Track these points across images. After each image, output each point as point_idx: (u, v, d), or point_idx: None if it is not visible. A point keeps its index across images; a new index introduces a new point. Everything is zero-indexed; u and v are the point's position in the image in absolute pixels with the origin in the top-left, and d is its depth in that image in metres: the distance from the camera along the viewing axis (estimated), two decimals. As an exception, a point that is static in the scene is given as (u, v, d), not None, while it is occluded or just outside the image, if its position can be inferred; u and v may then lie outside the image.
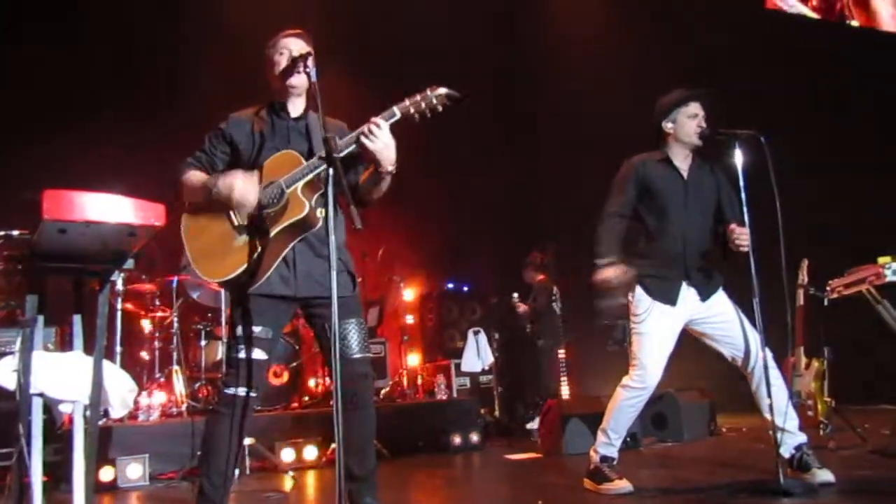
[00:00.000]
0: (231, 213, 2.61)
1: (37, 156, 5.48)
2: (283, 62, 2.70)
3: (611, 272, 3.34)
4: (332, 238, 2.25)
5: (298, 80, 2.69)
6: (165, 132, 6.01)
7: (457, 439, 5.35)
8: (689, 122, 3.40)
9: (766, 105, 6.45)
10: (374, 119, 2.50)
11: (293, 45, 2.71)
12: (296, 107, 2.79)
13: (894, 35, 7.98)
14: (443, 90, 2.49)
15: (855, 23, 8.06)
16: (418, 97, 2.50)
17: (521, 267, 7.14)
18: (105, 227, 1.95)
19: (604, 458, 3.44)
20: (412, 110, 2.50)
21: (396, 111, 2.52)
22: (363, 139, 2.49)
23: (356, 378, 2.66)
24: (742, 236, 3.20)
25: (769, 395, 3.13)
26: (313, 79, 2.51)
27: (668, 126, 3.46)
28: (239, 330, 2.62)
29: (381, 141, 2.49)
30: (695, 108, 3.42)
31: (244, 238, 2.59)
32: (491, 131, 8.11)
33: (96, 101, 6.09)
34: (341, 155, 2.42)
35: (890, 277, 3.66)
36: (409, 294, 7.47)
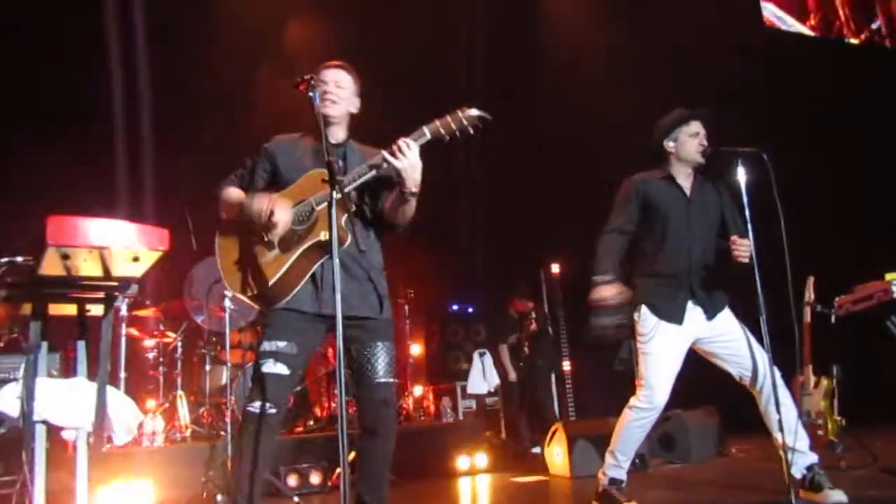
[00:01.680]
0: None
1: (38, 181, 5.49)
2: (318, 93, 2.73)
3: (607, 291, 3.33)
4: (336, 259, 2.25)
5: (331, 110, 2.72)
6: (171, 158, 6.05)
7: (464, 463, 5.30)
8: (690, 140, 3.41)
9: (766, 122, 6.47)
10: (403, 139, 2.50)
11: (329, 77, 2.74)
12: (335, 135, 2.80)
13: (890, 51, 8.02)
14: (474, 112, 2.47)
15: (854, 41, 8.11)
16: (449, 118, 2.49)
17: (507, 298, 7.08)
18: (109, 253, 1.95)
19: (612, 481, 3.40)
20: (442, 131, 2.49)
21: (426, 131, 2.51)
22: (389, 158, 2.49)
23: (378, 403, 2.63)
24: (742, 247, 3.19)
25: (779, 414, 3.10)
26: (315, 101, 2.53)
27: (669, 145, 3.46)
28: (264, 345, 2.60)
29: (409, 161, 2.48)
30: (696, 126, 3.42)
31: (273, 254, 2.60)
32: (494, 149, 8.13)
33: (102, 125, 6.13)
34: (361, 181, 2.46)
35: (898, 294, 3.63)
36: (413, 317, 7.43)
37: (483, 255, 8.06)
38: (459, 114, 2.47)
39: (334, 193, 2.32)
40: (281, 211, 2.53)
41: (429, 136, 2.50)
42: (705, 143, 3.40)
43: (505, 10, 7.61)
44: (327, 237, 2.52)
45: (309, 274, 2.59)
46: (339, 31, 6.88)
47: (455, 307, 7.97)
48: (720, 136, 3.45)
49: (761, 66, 7.35)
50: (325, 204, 2.52)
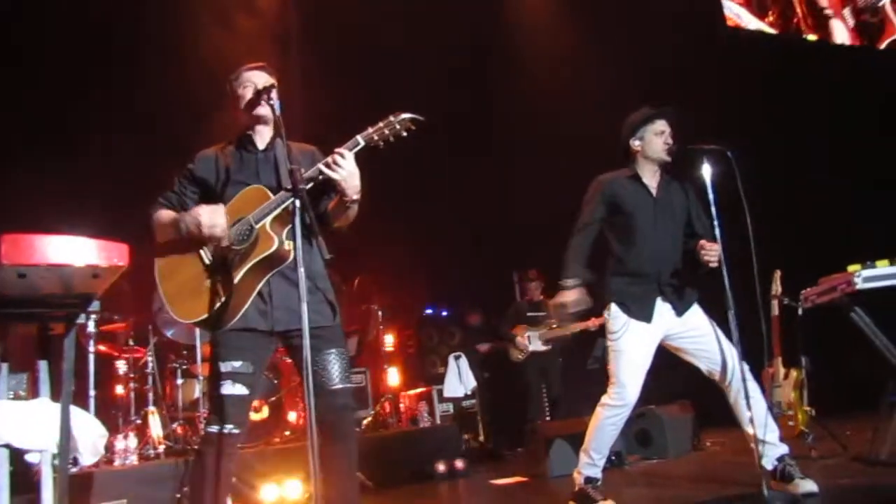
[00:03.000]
0: (202, 252, 2.61)
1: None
2: (248, 95, 2.72)
3: (570, 296, 3.35)
4: (301, 270, 2.25)
5: (265, 111, 2.69)
6: (128, 171, 5.95)
7: (441, 467, 5.29)
8: (656, 139, 3.44)
9: (729, 120, 6.55)
10: (337, 150, 2.51)
11: (257, 79, 2.72)
12: (263, 138, 2.79)
13: (848, 47, 8.17)
14: (406, 115, 2.50)
15: (812, 37, 8.25)
16: (381, 124, 2.51)
17: (517, 285, 7.10)
18: (67, 270, 1.90)
19: (588, 480, 3.42)
20: (376, 137, 2.51)
21: (360, 140, 2.53)
22: (327, 170, 2.50)
23: (336, 409, 2.62)
24: (711, 252, 3.22)
25: (749, 408, 3.14)
26: (277, 111, 2.52)
27: (635, 144, 3.49)
28: (219, 366, 2.58)
29: (346, 171, 2.49)
30: (661, 125, 3.46)
31: (216, 277, 2.57)
32: (466, 155, 8.14)
33: (56, 140, 6.02)
34: (307, 187, 2.42)
35: (861, 285, 3.70)
36: (388, 322, 7.41)
37: (458, 259, 8.05)
38: (392, 118, 2.50)
39: (297, 202, 2.30)
40: (216, 215, 2.52)
41: (363, 143, 2.52)
42: (671, 141, 3.44)
43: (468, 12, 7.61)
44: (272, 251, 2.52)
45: (255, 292, 2.57)
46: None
47: (430, 311, 7.96)
48: (685, 135, 3.48)
49: (723, 63, 7.45)
50: (265, 221, 2.53)
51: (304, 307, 2.19)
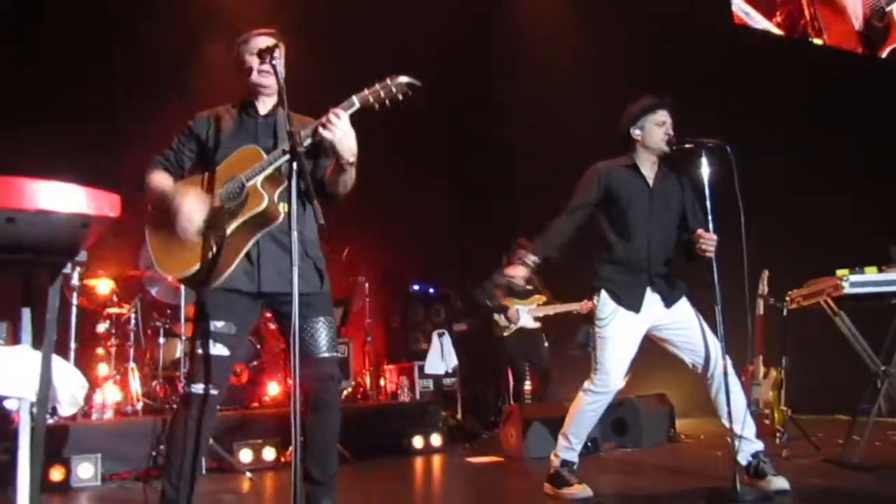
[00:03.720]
0: None
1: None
2: (253, 62, 2.67)
3: (522, 273, 3.36)
4: (294, 234, 2.22)
5: (267, 80, 2.66)
6: (120, 122, 5.89)
7: (418, 442, 5.32)
8: (656, 129, 3.42)
9: (731, 116, 6.54)
10: (332, 110, 2.48)
11: (263, 43, 2.65)
12: (265, 105, 2.76)
13: (855, 54, 8.16)
14: (403, 78, 2.46)
15: (818, 41, 8.22)
16: (377, 86, 2.47)
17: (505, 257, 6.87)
18: (56, 217, 1.85)
19: (564, 463, 3.44)
20: (371, 99, 2.47)
21: (355, 100, 2.49)
22: (321, 129, 2.46)
23: (322, 378, 2.61)
24: (710, 241, 3.23)
25: (728, 403, 3.17)
26: (280, 73, 2.48)
27: (635, 133, 3.47)
28: (201, 325, 2.56)
29: (340, 130, 2.45)
30: (662, 115, 3.44)
31: (205, 234, 2.54)
32: (458, 132, 8.10)
33: (49, 89, 5.94)
34: (304, 148, 2.40)
35: (847, 289, 3.72)
36: (374, 295, 7.41)
37: (447, 238, 8.05)
38: (388, 81, 2.46)
39: (294, 165, 2.28)
40: (194, 213, 2.48)
41: (358, 104, 2.48)
42: (671, 132, 3.42)
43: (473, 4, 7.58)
44: (261, 209, 2.49)
45: (244, 252, 2.54)
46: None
47: (416, 287, 7.96)
48: (685, 128, 3.47)
49: (728, 60, 7.43)
50: (256, 180, 2.49)
51: (295, 270, 2.17)
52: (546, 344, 6.51)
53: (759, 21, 8.18)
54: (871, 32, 8.10)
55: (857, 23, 8.16)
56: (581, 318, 6.11)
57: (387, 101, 2.47)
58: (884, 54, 8.14)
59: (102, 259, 5.52)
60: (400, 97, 2.47)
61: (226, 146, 2.66)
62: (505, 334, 6.38)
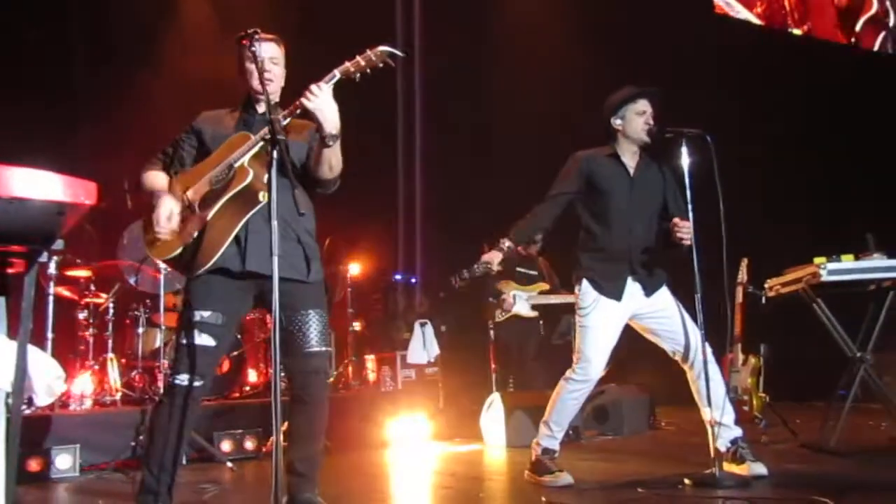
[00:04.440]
0: (185, 195, 2.62)
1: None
2: (252, 68, 2.64)
3: (496, 258, 3.38)
4: (275, 223, 2.23)
5: (268, 87, 2.65)
6: (99, 109, 5.80)
7: (401, 431, 5.32)
8: (637, 118, 3.44)
9: (710, 106, 6.58)
10: (314, 83, 2.49)
11: (265, 51, 2.66)
12: (263, 107, 2.75)
13: (835, 43, 8.23)
14: (383, 48, 2.46)
15: (797, 31, 8.28)
16: (358, 57, 2.48)
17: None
18: (31, 205, 1.82)
19: (545, 451, 3.46)
20: (352, 69, 2.47)
21: (337, 73, 2.50)
22: (303, 100, 2.47)
23: (309, 373, 2.61)
24: (684, 229, 3.25)
25: (708, 390, 3.20)
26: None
27: (616, 122, 3.49)
28: (187, 315, 2.55)
29: (321, 100, 2.46)
30: (643, 105, 3.45)
31: (194, 216, 2.57)
32: (440, 122, 8.08)
33: (29, 74, 5.83)
34: (286, 122, 2.47)
35: (825, 277, 3.77)
36: (356, 284, 7.38)
37: (428, 227, 8.04)
38: (369, 52, 2.47)
39: (274, 153, 2.28)
40: (170, 223, 2.55)
41: (338, 75, 2.49)
42: (651, 122, 3.44)
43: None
44: (245, 184, 2.52)
45: (233, 234, 2.54)
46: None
47: (398, 277, 7.95)
48: (667, 117, 3.49)
49: (709, 51, 7.46)
50: (243, 159, 2.53)
51: (275, 260, 2.16)
52: (542, 333, 6.23)
53: (739, 11, 8.22)
54: (849, 8, 8.17)
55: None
56: (566, 308, 6.04)
57: (367, 70, 2.47)
58: (858, 27, 8.20)
59: (80, 247, 5.45)
60: (380, 65, 2.47)
61: (222, 142, 2.69)
62: (498, 320, 6.07)
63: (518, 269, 6.09)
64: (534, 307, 6.04)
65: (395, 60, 2.48)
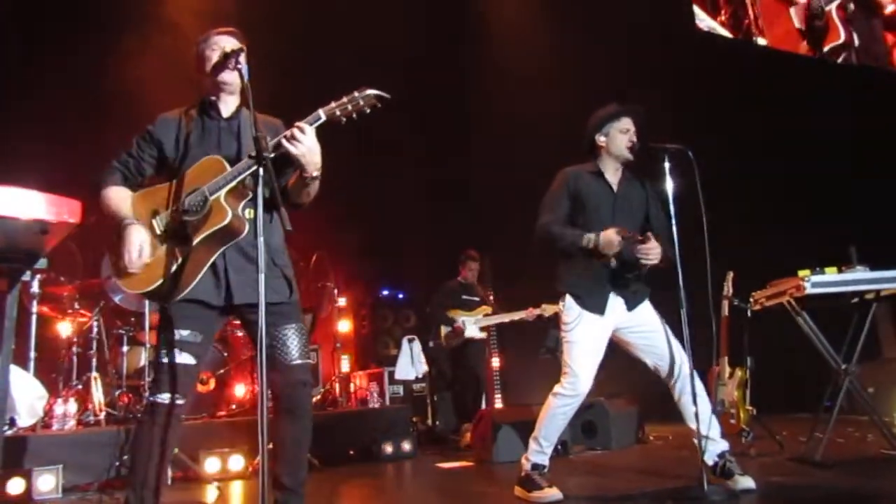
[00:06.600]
0: (154, 221, 2.55)
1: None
2: (214, 58, 2.63)
3: (610, 233, 3.27)
4: (261, 240, 2.21)
5: (230, 77, 2.62)
6: (83, 126, 5.77)
7: (388, 448, 5.30)
8: (620, 136, 3.48)
9: (688, 120, 6.64)
10: (298, 123, 2.44)
11: (225, 42, 2.63)
12: (227, 106, 2.71)
13: (797, 54, 8.31)
14: (370, 91, 2.44)
15: (762, 41, 8.32)
16: (345, 99, 2.45)
17: (457, 264, 6.63)
18: (14, 223, 1.82)
19: (535, 466, 3.45)
20: (338, 112, 2.45)
21: (322, 114, 2.46)
22: (286, 143, 2.42)
23: (294, 385, 2.59)
24: (647, 250, 3.26)
25: (694, 405, 3.21)
26: (245, 76, 2.45)
27: (600, 139, 3.52)
28: (166, 334, 2.52)
29: (305, 146, 2.42)
30: (626, 122, 3.49)
31: (166, 248, 2.51)
32: (428, 139, 8.10)
33: (8, 91, 5.80)
34: (271, 155, 2.35)
35: (809, 290, 3.80)
36: (343, 301, 7.36)
37: (417, 243, 8.03)
38: (356, 94, 2.44)
39: (260, 170, 2.26)
40: (142, 256, 2.45)
41: (324, 118, 2.45)
42: (634, 139, 3.47)
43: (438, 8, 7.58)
44: (224, 225, 2.46)
45: (208, 265, 2.50)
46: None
47: (385, 292, 7.94)
48: (650, 132, 3.52)
49: (687, 64, 7.54)
50: (219, 193, 2.45)
51: (262, 277, 2.15)
52: (493, 352, 6.58)
53: (704, 19, 8.23)
54: (812, 31, 8.26)
55: (798, 21, 8.31)
56: (550, 323, 6.09)
57: (354, 115, 2.44)
58: (826, 49, 8.29)
59: (63, 265, 5.40)
60: (367, 110, 2.44)
61: (190, 154, 2.61)
62: (453, 343, 6.31)
63: (463, 297, 6.44)
64: (482, 329, 6.37)
65: (382, 101, 2.44)
